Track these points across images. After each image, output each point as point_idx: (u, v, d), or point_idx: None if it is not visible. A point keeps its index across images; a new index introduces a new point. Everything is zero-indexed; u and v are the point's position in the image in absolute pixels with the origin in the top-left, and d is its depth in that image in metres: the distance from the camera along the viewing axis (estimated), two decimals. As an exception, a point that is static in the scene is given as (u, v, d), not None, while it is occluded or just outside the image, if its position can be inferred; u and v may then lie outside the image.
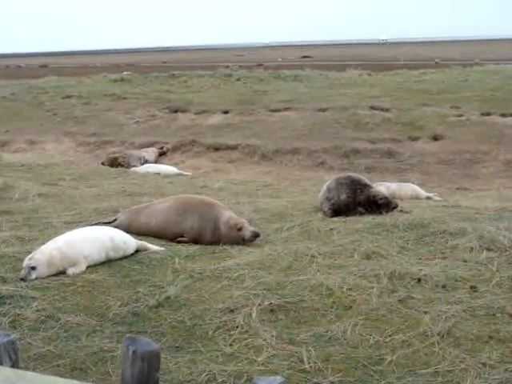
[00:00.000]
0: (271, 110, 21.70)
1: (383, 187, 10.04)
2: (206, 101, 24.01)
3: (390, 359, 4.17)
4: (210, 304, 5.14)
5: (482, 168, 15.97)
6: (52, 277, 5.77)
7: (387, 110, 20.27)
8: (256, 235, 7.05)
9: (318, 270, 5.88)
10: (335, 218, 8.11)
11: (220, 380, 3.94)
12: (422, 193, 11.04)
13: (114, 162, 16.96)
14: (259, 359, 4.21)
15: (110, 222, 7.44)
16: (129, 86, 29.33)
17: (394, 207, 8.31)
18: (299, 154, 17.55)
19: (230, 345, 4.45)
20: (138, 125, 22.25)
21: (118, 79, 32.19)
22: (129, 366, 2.21)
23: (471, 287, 5.38)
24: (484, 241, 6.57)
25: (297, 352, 4.29)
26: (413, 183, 12.08)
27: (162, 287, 5.49)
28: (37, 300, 5.21)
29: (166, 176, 14.11)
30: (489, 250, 6.38)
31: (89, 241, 6.18)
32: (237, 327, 4.70)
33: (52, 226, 7.67)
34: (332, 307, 5.04)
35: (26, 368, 3.94)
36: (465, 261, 6.11)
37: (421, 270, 5.79)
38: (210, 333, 4.66)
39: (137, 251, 6.57)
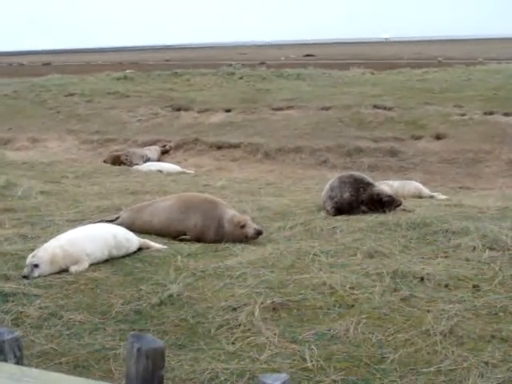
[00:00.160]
0: (274, 109, 21.68)
1: (386, 186, 10.03)
2: (209, 99, 24.00)
3: (392, 358, 4.17)
4: (213, 302, 5.15)
5: (484, 167, 15.95)
6: (55, 275, 5.79)
7: (390, 108, 20.24)
8: (259, 233, 7.06)
9: (321, 269, 5.88)
10: (338, 217, 8.11)
11: (222, 378, 3.95)
12: (425, 191, 11.03)
13: (116, 160, 16.96)
14: (262, 357, 4.21)
15: (112, 220, 7.45)
16: (131, 84, 29.32)
17: (399, 205, 8.31)
18: (302, 153, 17.54)
19: (233, 343, 4.46)
20: (140, 123, 22.25)
21: (120, 77, 32.17)
22: (133, 364, 2.21)
23: (474, 286, 5.38)
24: (487, 240, 6.57)
25: (299, 350, 4.30)
26: (415, 182, 12.07)
27: (165, 285, 5.50)
28: (39, 298, 5.22)
29: (169, 174, 14.12)
30: (491, 249, 6.37)
31: (91, 239, 6.18)
32: (239, 325, 4.70)
33: (54, 224, 7.68)
34: (334, 306, 5.04)
35: (29, 366, 3.95)
36: (467, 260, 6.10)
37: (423, 268, 5.79)
38: (213, 331, 4.67)
39: (139, 249, 6.58)
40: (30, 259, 5.75)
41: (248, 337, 4.53)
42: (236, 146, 18.50)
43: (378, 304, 5.04)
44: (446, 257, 6.25)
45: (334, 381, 3.91)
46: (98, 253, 6.16)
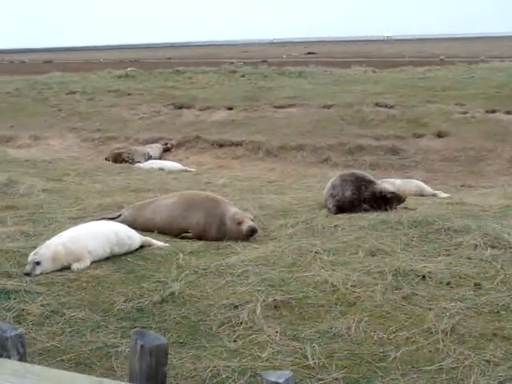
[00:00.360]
0: (276, 107, 21.68)
1: (388, 184, 10.03)
2: (211, 97, 23.99)
3: (394, 356, 4.17)
4: (215, 300, 5.15)
5: (486, 165, 15.94)
6: (57, 272, 5.80)
7: (392, 106, 20.23)
8: (252, 230, 7.01)
9: (323, 267, 5.88)
10: (339, 215, 8.10)
11: (224, 376, 3.95)
12: (427, 189, 11.02)
13: (117, 158, 16.96)
14: (263, 355, 4.21)
15: (114, 218, 7.45)
16: (133, 82, 29.32)
17: (402, 201, 8.33)
18: (304, 151, 17.54)
19: (234, 341, 4.46)
20: (142, 121, 22.25)
21: (122, 75, 32.18)
22: (137, 361, 2.22)
23: (475, 284, 5.38)
24: (488, 238, 6.56)
25: (301, 348, 4.30)
26: (417, 180, 12.06)
27: (167, 283, 5.51)
28: (41, 295, 5.23)
29: (171, 172, 14.13)
30: (493, 247, 6.37)
31: (93, 236, 6.19)
32: (241, 323, 4.70)
33: (56, 222, 7.68)
34: (336, 304, 5.05)
35: (31, 363, 3.96)
36: (469, 258, 6.10)
37: (425, 267, 5.79)
38: (214, 329, 4.67)
39: (141, 247, 6.59)
40: (31, 257, 5.76)
41: (250, 334, 4.53)
42: (238, 144, 18.50)
43: (379, 302, 5.04)
44: (447, 255, 6.24)
45: (336, 379, 3.91)
46: (100, 250, 6.16)
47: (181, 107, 22.95)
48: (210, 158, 18.15)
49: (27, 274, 5.63)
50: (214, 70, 32.47)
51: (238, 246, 6.74)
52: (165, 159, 17.34)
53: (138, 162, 16.33)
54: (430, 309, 4.89)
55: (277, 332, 4.54)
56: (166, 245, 6.76)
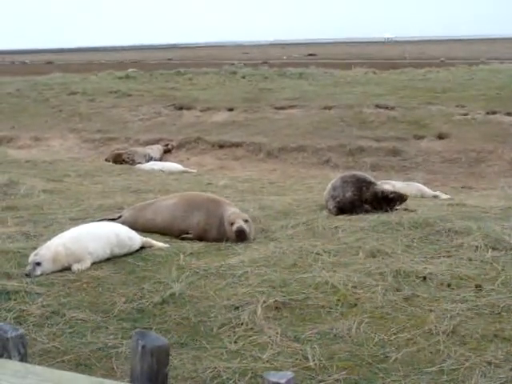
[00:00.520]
0: (276, 108, 21.68)
1: (389, 186, 10.03)
2: (211, 98, 23.99)
3: (394, 357, 4.16)
4: (215, 301, 5.15)
5: (487, 167, 15.93)
6: (57, 273, 5.79)
7: (392, 108, 20.23)
8: (239, 230, 6.90)
9: (323, 268, 5.87)
10: (340, 216, 8.10)
11: (224, 377, 3.95)
12: (428, 192, 11.01)
13: (117, 159, 16.95)
14: (264, 356, 4.21)
15: (115, 219, 7.45)
16: (134, 83, 29.32)
17: (405, 199, 8.34)
18: (304, 152, 17.54)
19: (235, 342, 4.46)
20: (142, 122, 22.25)
21: (123, 76, 32.19)
22: (138, 361, 2.21)
23: (476, 286, 5.37)
24: (489, 240, 6.55)
25: (301, 349, 4.29)
26: (418, 182, 12.06)
27: (167, 284, 5.50)
28: (42, 296, 5.22)
29: (171, 173, 14.13)
30: (494, 248, 6.36)
31: (94, 237, 6.19)
32: (241, 324, 4.70)
33: (57, 222, 7.68)
34: (337, 305, 5.04)
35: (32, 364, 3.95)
36: (470, 259, 6.09)
37: (426, 268, 5.78)
38: (215, 330, 4.67)
39: (142, 248, 6.58)
40: (32, 257, 5.76)
41: (250, 336, 4.53)
42: (238, 145, 18.50)
43: (380, 303, 5.04)
44: (448, 256, 6.24)
45: (337, 380, 3.91)
46: (101, 251, 6.16)
47: (181, 108, 22.95)
48: (211, 159, 18.15)
49: (27, 275, 5.62)
50: (214, 71, 32.50)
51: (238, 247, 6.74)
52: (165, 160, 17.33)
53: (139, 162, 16.33)
54: (430, 310, 4.89)
55: (277, 333, 4.54)
56: (167, 246, 6.75)
